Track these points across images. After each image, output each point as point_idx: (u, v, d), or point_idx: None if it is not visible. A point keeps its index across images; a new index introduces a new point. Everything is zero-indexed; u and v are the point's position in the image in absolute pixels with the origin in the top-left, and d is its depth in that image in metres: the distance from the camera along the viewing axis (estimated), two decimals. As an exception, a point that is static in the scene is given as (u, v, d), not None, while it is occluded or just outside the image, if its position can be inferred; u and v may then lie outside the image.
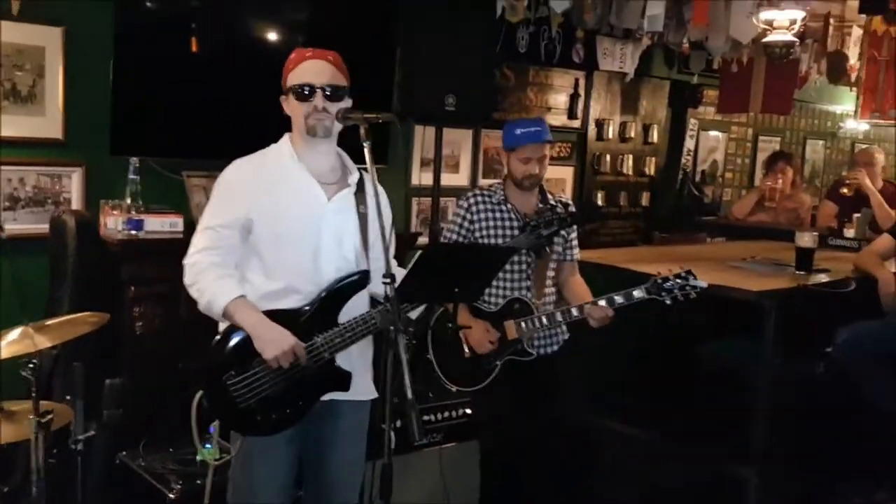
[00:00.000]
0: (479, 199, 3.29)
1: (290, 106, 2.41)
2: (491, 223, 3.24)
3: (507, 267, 3.14)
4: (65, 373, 2.98)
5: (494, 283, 3.16)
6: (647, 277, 2.95)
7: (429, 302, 2.50)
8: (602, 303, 2.98)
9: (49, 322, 2.61)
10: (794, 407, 3.69)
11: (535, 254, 3.14)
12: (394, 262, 2.22)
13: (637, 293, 2.91)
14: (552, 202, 3.27)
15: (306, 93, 2.35)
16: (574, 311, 3.04)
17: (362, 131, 2.23)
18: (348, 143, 2.46)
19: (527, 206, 3.25)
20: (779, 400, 3.57)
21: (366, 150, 2.22)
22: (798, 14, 4.50)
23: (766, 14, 4.54)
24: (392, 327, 2.08)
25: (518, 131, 3.22)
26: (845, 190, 5.64)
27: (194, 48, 3.80)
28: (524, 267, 3.19)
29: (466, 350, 3.14)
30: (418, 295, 2.30)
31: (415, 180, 5.08)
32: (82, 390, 2.79)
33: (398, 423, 3.34)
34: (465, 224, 3.27)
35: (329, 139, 2.41)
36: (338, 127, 2.38)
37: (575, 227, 3.29)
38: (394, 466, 2.11)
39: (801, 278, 3.83)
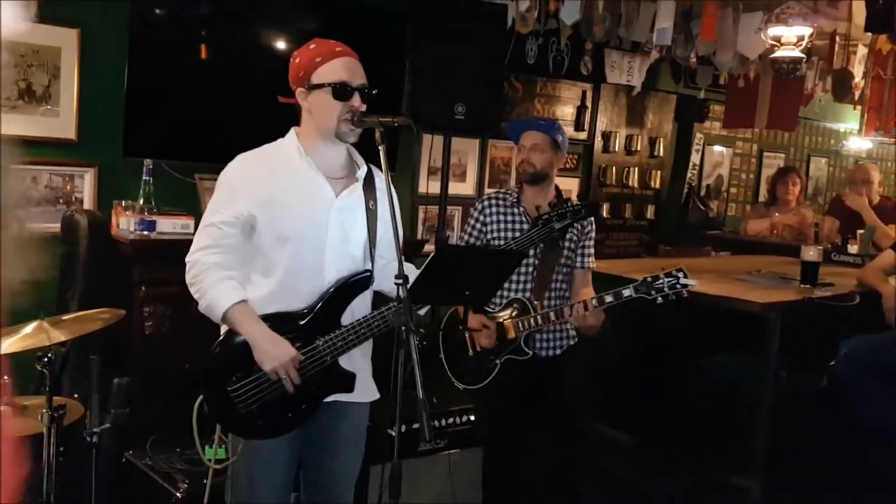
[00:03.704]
0: (493, 201, 3.32)
1: (320, 102, 2.31)
2: (502, 224, 3.26)
3: None
4: (78, 367, 3.00)
5: None
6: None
7: (440, 303, 2.50)
8: (593, 302, 2.96)
9: (64, 317, 2.61)
10: (796, 419, 3.70)
11: (549, 248, 3.14)
12: (409, 266, 2.22)
13: (626, 292, 2.89)
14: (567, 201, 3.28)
15: (347, 91, 2.29)
16: (566, 311, 3.03)
17: (378, 135, 2.22)
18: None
19: (540, 208, 3.26)
20: (782, 412, 3.58)
21: (381, 154, 2.21)
22: (806, 30, 4.54)
23: (773, 30, 4.58)
24: (404, 327, 2.07)
25: (515, 123, 3.30)
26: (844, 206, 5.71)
27: (206, 53, 3.84)
28: (528, 269, 3.21)
29: (471, 349, 3.17)
30: (429, 296, 2.29)
31: (421, 188, 5.11)
32: (98, 383, 2.79)
33: (402, 428, 3.38)
34: (478, 226, 3.30)
35: None
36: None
37: (591, 234, 3.28)
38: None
39: (806, 291, 3.85)
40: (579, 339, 3.32)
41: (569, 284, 3.31)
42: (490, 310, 3.18)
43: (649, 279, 2.86)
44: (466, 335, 3.19)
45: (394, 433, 3.34)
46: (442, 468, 3.48)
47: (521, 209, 3.27)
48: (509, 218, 3.26)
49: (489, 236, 3.26)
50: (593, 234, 3.32)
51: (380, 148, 2.22)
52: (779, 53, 4.62)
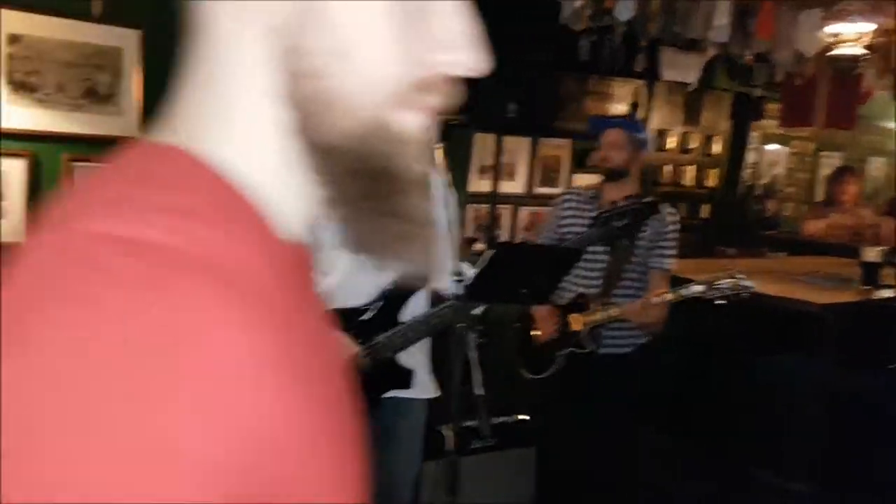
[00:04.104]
0: (571, 196, 3.35)
1: None
2: (577, 220, 3.26)
3: (580, 262, 3.15)
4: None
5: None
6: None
7: (497, 302, 2.51)
8: (655, 300, 2.96)
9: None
10: (853, 423, 3.63)
11: (609, 246, 3.15)
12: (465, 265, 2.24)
13: (687, 291, 2.90)
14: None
15: None
16: (628, 308, 3.03)
17: (433, 133, 2.25)
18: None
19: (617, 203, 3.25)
20: (838, 415, 3.52)
21: (438, 152, 2.24)
22: (866, 27, 4.44)
23: (833, 27, 4.49)
24: (462, 325, 2.10)
25: (596, 119, 3.33)
26: None
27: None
28: (599, 265, 3.20)
29: (535, 339, 3.21)
30: (486, 294, 2.31)
31: (471, 187, 5.12)
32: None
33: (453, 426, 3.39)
34: (555, 221, 3.34)
35: None
36: None
37: (669, 234, 3.24)
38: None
39: (867, 293, 3.78)
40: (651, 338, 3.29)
41: (644, 284, 3.26)
42: (558, 302, 3.20)
43: (711, 280, 2.85)
44: (532, 325, 3.22)
45: (448, 431, 3.39)
46: (491, 467, 3.48)
47: (598, 204, 3.25)
48: (584, 214, 3.25)
49: (563, 230, 3.28)
50: (673, 235, 3.25)
51: (436, 146, 2.24)
52: (838, 51, 4.53)
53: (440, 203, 2.36)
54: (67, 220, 0.54)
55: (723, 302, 2.82)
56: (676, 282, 3.86)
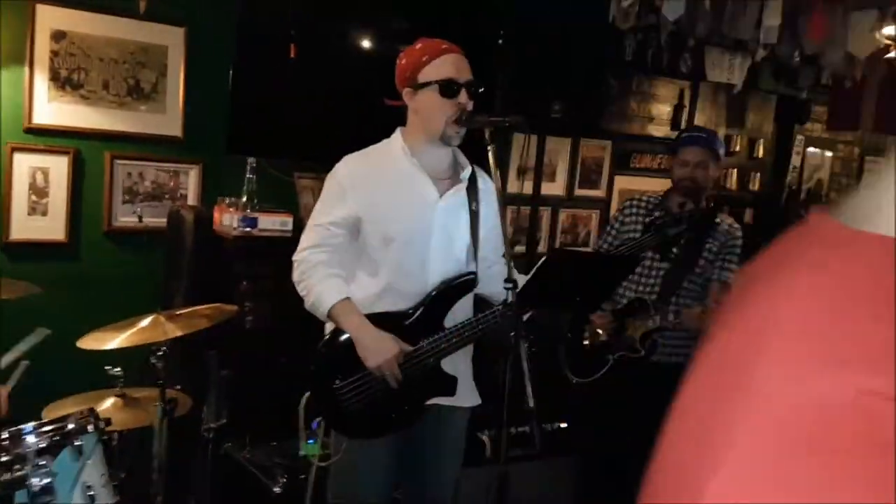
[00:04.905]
0: (634, 201, 3.33)
1: (427, 102, 2.30)
2: (638, 227, 3.22)
3: (638, 268, 3.12)
4: (192, 363, 3.04)
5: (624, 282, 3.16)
6: None
7: (549, 308, 2.46)
8: (709, 304, 2.92)
9: (179, 311, 2.65)
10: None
11: (663, 253, 3.08)
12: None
13: None
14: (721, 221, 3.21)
15: (454, 89, 2.27)
16: (683, 316, 2.97)
17: (487, 135, 2.21)
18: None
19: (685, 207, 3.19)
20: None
21: (490, 154, 2.19)
22: (924, 29, 4.31)
23: (889, 29, 4.36)
24: (513, 333, 2.04)
25: (684, 135, 3.30)
26: None
27: (308, 53, 3.86)
28: (658, 272, 3.16)
29: (588, 340, 3.17)
30: (538, 301, 2.25)
31: (510, 188, 5.05)
32: (216, 379, 2.83)
33: (492, 433, 3.34)
34: (616, 226, 3.32)
35: None
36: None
37: (734, 247, 3.20)
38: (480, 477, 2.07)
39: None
40: None
41: (704, 296, 3.19)
42: (615, 307, 3.17)
43: None
44: (584, 327, 3.18)
45: (486, 438, 3.33)
46: (531, 476, 3.42)
47: (662, 212, 3.20)
48: (645, 221, 3.20)
49: (624, 237, 3.25)
50: (738, 248, 3.21)
51: (489, 148, 2.19)
52: (895, 54, 4.40)
53: (493, 207, 2.31)
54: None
55: None
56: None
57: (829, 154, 7.33)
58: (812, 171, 7.19)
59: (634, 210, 3.27)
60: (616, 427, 3.16)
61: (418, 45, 2.35)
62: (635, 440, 3.08)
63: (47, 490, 1.97)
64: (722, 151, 3.23)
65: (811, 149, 7.11)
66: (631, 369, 3.07)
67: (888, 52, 4.45)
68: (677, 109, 5.83)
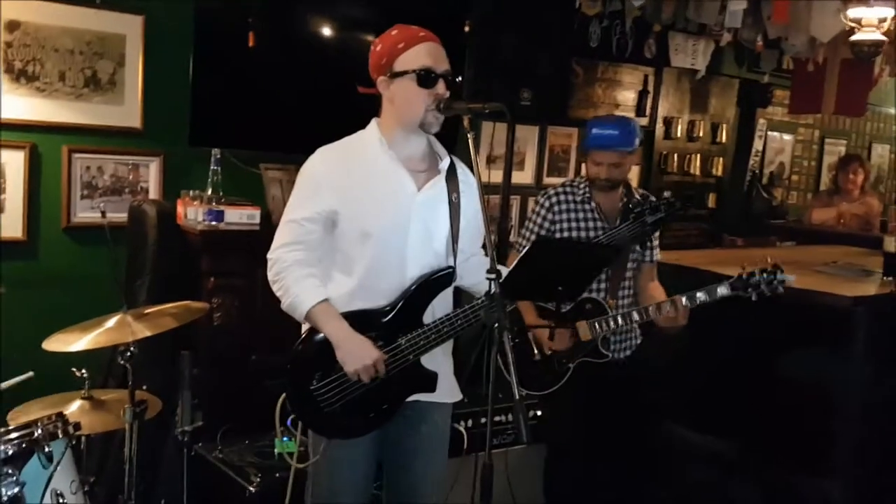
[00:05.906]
0: (561, 196, 3.18)
1: (403, 91, 2.22)
2: (573, 223, 3.13)
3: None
4: (159, 362, 2.96)
5: None
6: (730, 279, 2.80)
7: (531, 299, 2.42)
8: (683, 300, 2.83)
9: (147, 311, 2.55)
10: (883, 420, 3.55)
11: (638, 245, 3.03)
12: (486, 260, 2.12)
13: (721, 290, 2.75)
14: (639, 197, 3.17)
15: (432, 78, 2.19)
16: (651, 311, 2.89)
17: (465, 122, 2.15)
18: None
19: (610, 204, 3.14)
20: (868, 412, 3.44)
21: (469, 142, 2.13)
22: (888, 12, 4.33)
23: (854, 11, 4.37)
24: (497, 325, 1.98)
25: (593, 131, 3.10)
26: None
27: (272, 41, 3.77)
28: None
29: (536, 352, 3.03)
30: (521, 292, 2.20)
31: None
32: (189, 380, 2.74)
33: (469, 423, 3.30)
34: (546, 224, 3.17)
35: None
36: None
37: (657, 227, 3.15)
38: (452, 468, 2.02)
39: (892, 284, 3.69)
40: (643, 339, 3.23)
41: (635, 279, 3.19)
42: (556, 309, 3.01)
43: (745, 276, 2.73)
44: (531, 337, 3.05)
45: (463, 429, 3.29)
46: (499, 465, 3.38)
47: (593, 205, 3.14)
48: (580, 214, 3.14)
49: (558, 234, 3.13)
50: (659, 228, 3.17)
51: (468, 136, 2.14)
52: (859, 36, 4.42)
53: (476, 197, 2.26)
54: None
55: (755, 299, 2.71)
56: (690, 273, 3.79)
57: (789, 137, 7.40)
58: (774, 155, 7.25)
59: (565, 206, 3.15)
60: (572, 422, 3.14)
61: (394, 32, 2.26)
62: (590, 433, 3.08)
63: (16, 501, 1.88)
64: (638, 140, 3.09)
65: (777, 133, 7.17)
66: (581, 370, 3.03)
67: (852, 34, 4.47)
68: (642, 96, 5.83)
